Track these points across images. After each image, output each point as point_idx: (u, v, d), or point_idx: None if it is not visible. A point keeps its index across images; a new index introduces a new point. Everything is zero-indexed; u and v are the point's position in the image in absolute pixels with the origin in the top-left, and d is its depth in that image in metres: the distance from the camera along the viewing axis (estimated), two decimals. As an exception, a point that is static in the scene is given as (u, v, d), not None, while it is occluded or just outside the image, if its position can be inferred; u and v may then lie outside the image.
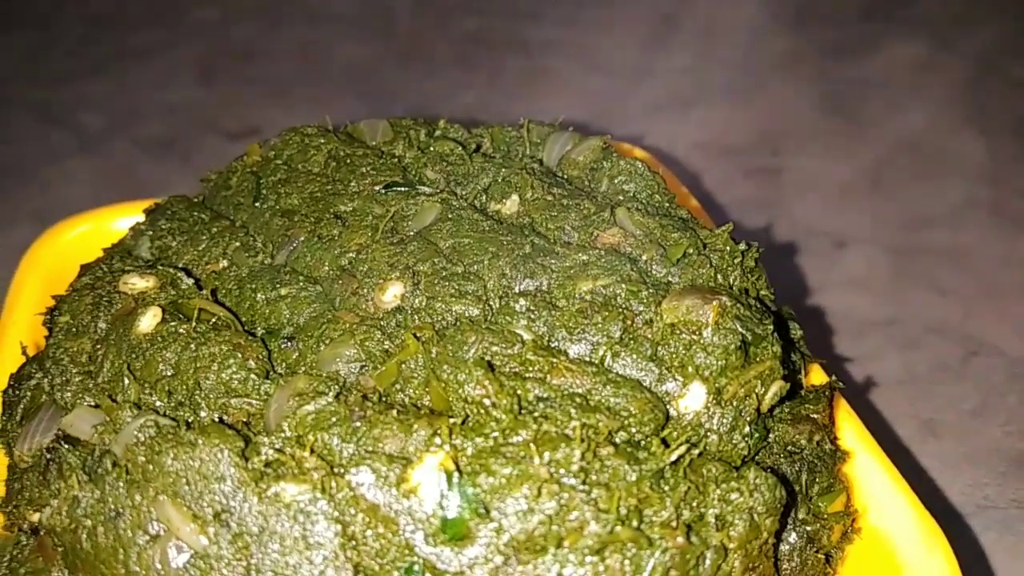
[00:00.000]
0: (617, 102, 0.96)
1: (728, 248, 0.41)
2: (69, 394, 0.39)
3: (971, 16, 1.12)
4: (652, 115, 0.94)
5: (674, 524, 0.32)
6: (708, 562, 0.32)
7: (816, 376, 0.45)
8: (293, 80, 0.99)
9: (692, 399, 0.36)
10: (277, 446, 0.34)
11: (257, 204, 0.46)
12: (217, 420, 0.36)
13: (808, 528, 0.38)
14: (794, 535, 0.38)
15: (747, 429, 0.36)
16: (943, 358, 0.66)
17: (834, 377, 0.44)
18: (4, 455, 0.41)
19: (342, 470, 0.33)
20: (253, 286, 0.42)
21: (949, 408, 0.63)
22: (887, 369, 0.65)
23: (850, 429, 0.43)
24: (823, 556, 0.39)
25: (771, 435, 0.39)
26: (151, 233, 0.46)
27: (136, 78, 0.99)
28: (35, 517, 0.38)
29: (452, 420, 0.34)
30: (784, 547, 0.38)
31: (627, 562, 0.31)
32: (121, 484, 0.33)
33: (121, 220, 0.56)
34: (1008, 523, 0.55)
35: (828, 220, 0.80)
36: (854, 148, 0.90)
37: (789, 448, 0.39)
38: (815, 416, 0.40)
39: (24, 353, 0.45)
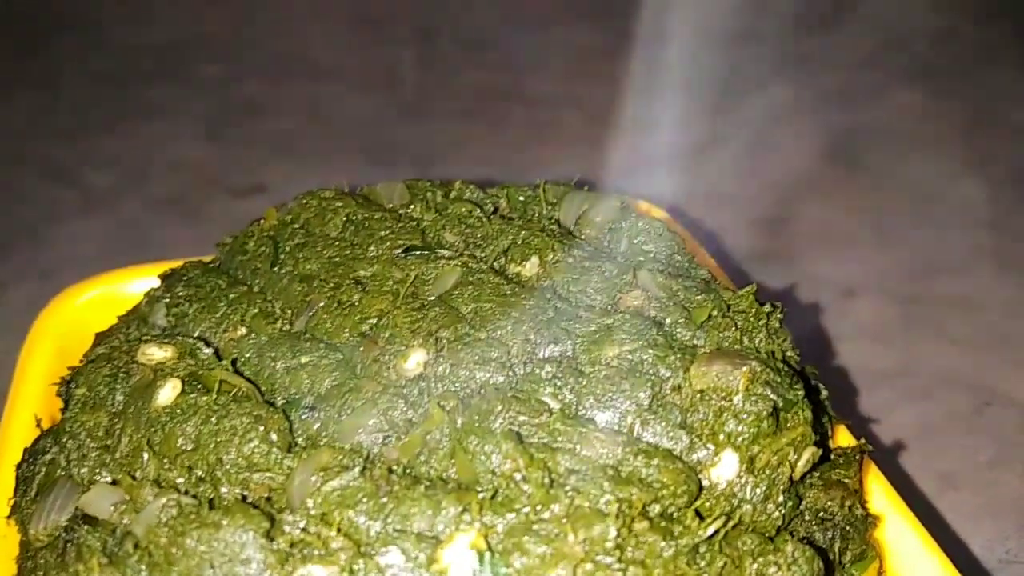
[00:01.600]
0: (620, 153, 0.97)
1: (753, 310, 0.40)
2: (86, 470, 0.38)
3: (970, 63, 1.14)
4: (655, 166, 0.94)
5: (712, 601, 0.31)
6: (747, 639, 0.32)
7: (842, 437, 0.44)
8: (298, 135, 1.00)
9: (724, 468, 0.35)
10: (302, 525, 0.33)
11: (275, 269, 0.46)
12: (239, 496, 0.35)
13: (843, 597, 0.38)
14: (830, 605, 0.37)
15: (781, 498, 0.36)
16: (956, 409, 0.66)
17: (863, 440, 0.43)
18: (16, 532, 0.40)
19: (370, 550, 0.32)
20: (273, 354, 0.41)
21: (965, 460, 0.62)
22: (901, 421, 0.65)
23: (878, 491, 0.43)
24: (858, 625, 0.39)
25: (803, 502, 0.39)
26: (167, 300, 0.46)
27: (142, 136, 0.99)
28: (50, 598, 0.37)
29: (481, 495, 0.33)
30: (820, 618, 0.37)
31: (667, 642, 0.31)
32: (143, 567, 0.32)
33: (132, 283, 0.55)
34: (1035, 580, 0.54)
35: (835, 269, 0.80)
36: (857, 196, 0.91)
37: (821, 515, 0.39)
38: (846, 480, 0.40)
39: (39, 426, 0.44)
